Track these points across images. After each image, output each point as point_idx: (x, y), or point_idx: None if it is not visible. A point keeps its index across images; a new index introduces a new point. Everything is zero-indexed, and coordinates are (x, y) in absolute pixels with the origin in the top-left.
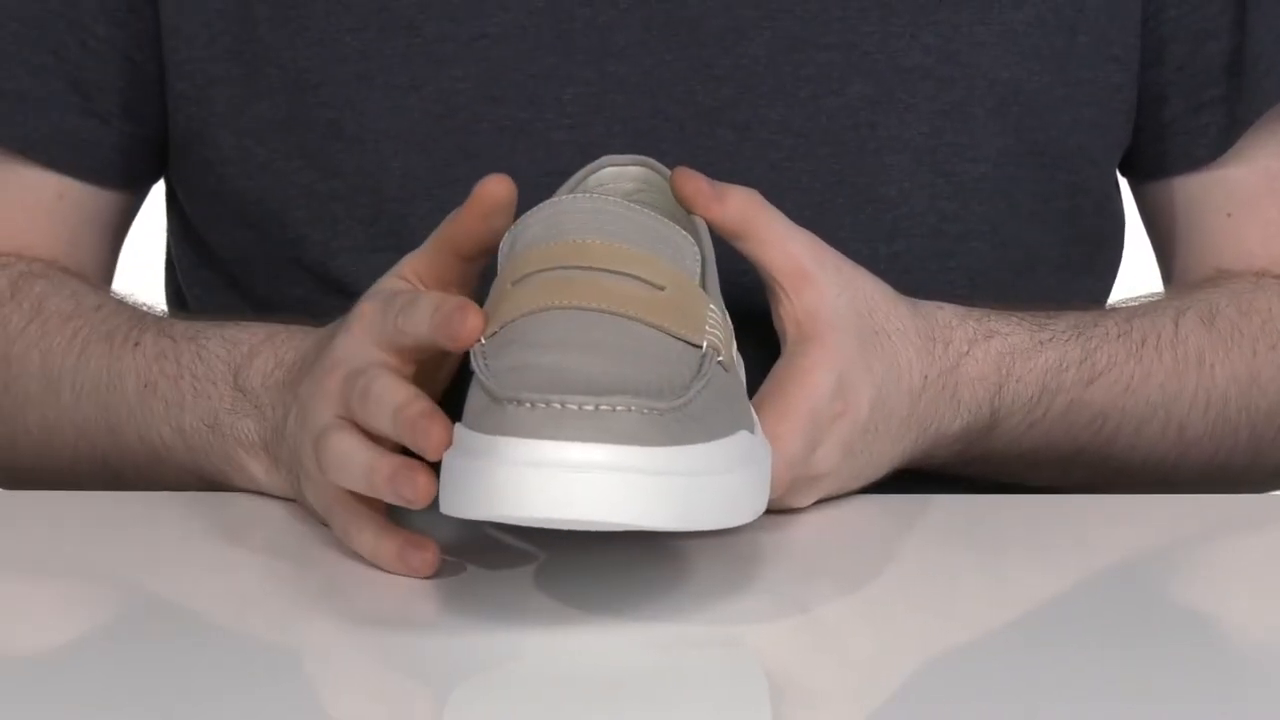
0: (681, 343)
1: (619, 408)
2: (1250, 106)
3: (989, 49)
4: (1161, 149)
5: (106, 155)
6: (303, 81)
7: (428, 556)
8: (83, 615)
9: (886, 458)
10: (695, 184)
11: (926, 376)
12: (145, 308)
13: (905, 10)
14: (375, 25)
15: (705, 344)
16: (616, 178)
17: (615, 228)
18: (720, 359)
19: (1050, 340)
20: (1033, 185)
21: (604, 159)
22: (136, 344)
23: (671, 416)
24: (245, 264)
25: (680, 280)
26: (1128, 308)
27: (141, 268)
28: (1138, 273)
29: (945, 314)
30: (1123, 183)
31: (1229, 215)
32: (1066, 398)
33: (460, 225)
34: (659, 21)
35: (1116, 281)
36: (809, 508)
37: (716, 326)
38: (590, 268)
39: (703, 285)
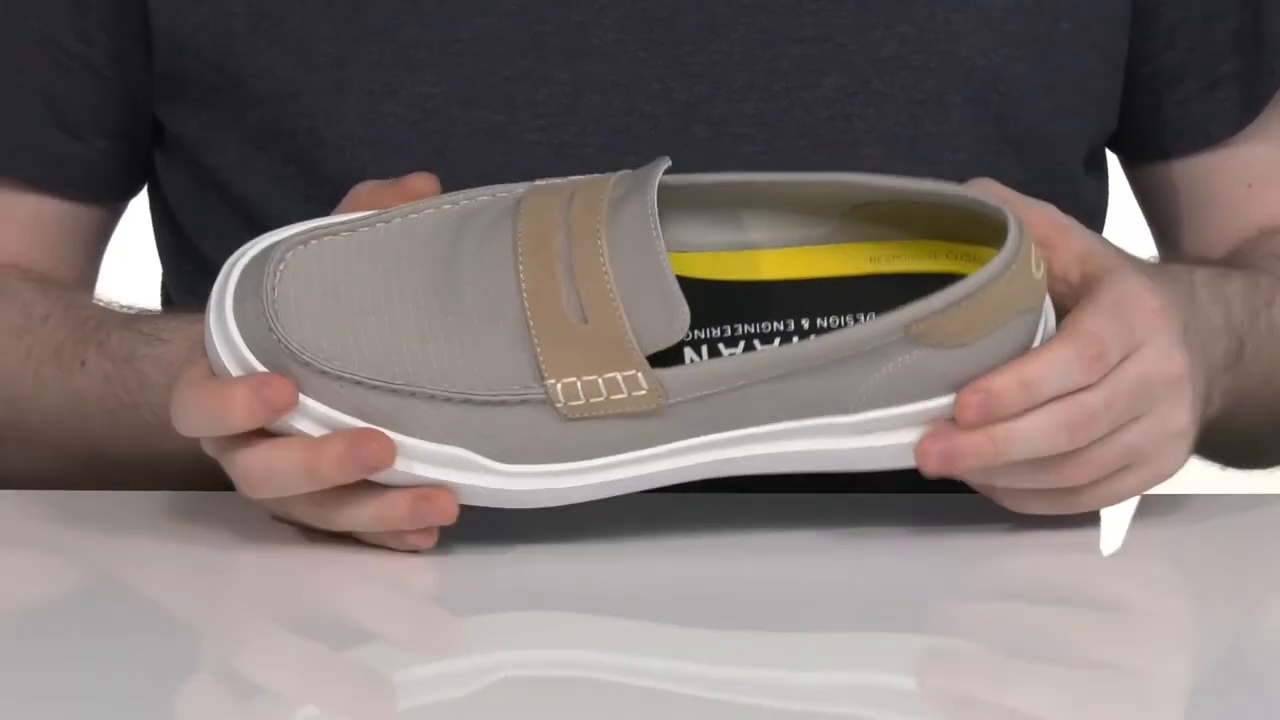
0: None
1: None
2: (1268, 83)
3: (966, 37)
4: (1176, 129)
5: (82, 171)
6: (281, 91)
7: (444, 505)
8: (83, 615)
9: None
10: None
11: (1184, 321)
12: (93, 304)
13: (879, 1)
14: (349, 33)
15: (548, 388)
16: None
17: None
18: (554, 400)
19: (1225, 271)
20: (1011, 172)
21: None
22: (83, 363)
23: None
24: None
25: (610, 325)
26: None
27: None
28: None
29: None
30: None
31: (1249, 186)
32: (1266, 321)
33: (371, 202)
34: (633, 20)
35: None
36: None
37: (613, 389)
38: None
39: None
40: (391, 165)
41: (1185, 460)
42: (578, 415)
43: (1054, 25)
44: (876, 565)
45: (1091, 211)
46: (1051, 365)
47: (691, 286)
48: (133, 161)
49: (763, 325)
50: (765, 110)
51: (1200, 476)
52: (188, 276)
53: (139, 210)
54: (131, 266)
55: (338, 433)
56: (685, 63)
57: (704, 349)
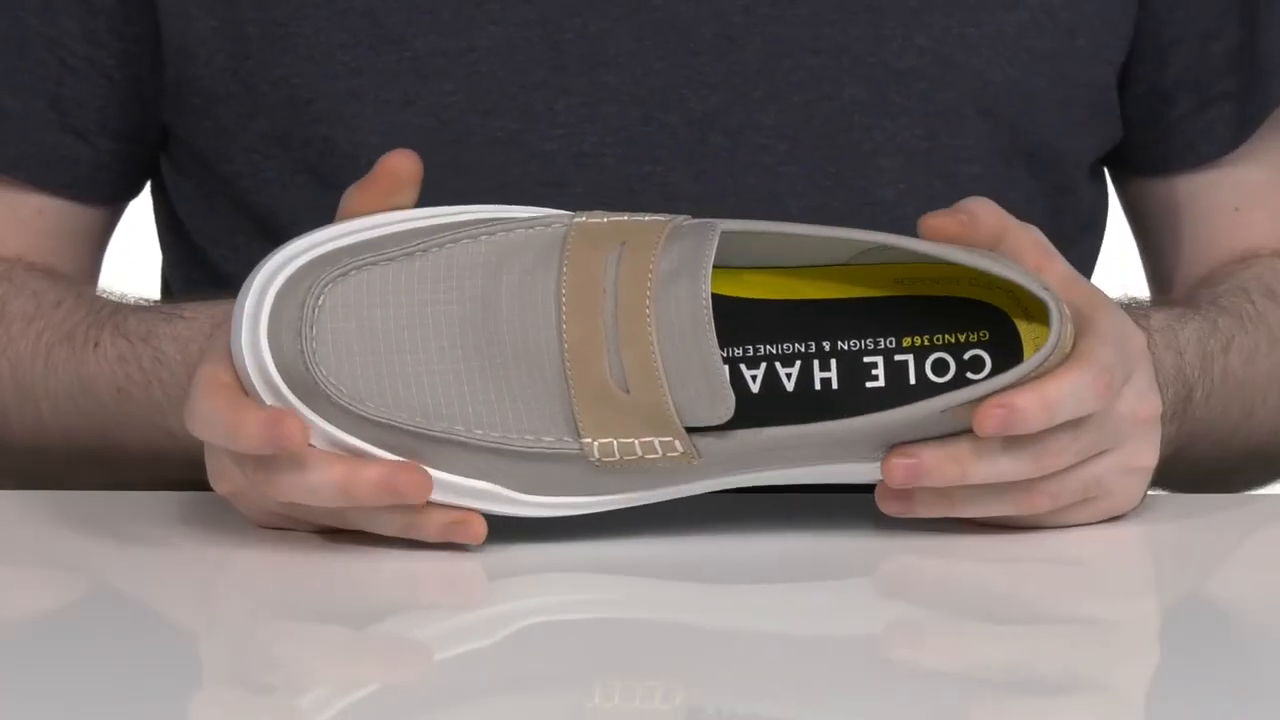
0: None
1: None
2: (1261, 104)
3: (981, 51)
4: (1168, 147)
5: (85, 172)
6: (295, 98)
7: (476, 529)
8: (83, 615)
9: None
10: (940, 221)
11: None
12: (105, 295)
13: (896, 13)
14: (365, 41)
15: (583, 444)
16: None
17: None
18: (589, 455)
19: (1181, 315)
20: (1022, 185)
21: None
22: (96, 344)
23: None
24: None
25: (653, 399)
26: (1192, 292)
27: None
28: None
29: None
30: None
31: (1236, 210)
32: (1220, 365)
33: (360, 203)
34: (650, 30)
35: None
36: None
37: (648, 450)
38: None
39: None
40: None
41: (1141, 498)
42: (611, 468)
43: (1070, 40)
44: (869, 538)
45: (1092, 220)
46: (1071, 389)
47: (714, 302)
48: (137, 163)
49: (784, 346)
50: (783, 121)
51: None
52: (195, 285)
53: (135, 210)
54: (131, 265)
55: (378, 460)
56: (702, 73)
57: (725, 370)
